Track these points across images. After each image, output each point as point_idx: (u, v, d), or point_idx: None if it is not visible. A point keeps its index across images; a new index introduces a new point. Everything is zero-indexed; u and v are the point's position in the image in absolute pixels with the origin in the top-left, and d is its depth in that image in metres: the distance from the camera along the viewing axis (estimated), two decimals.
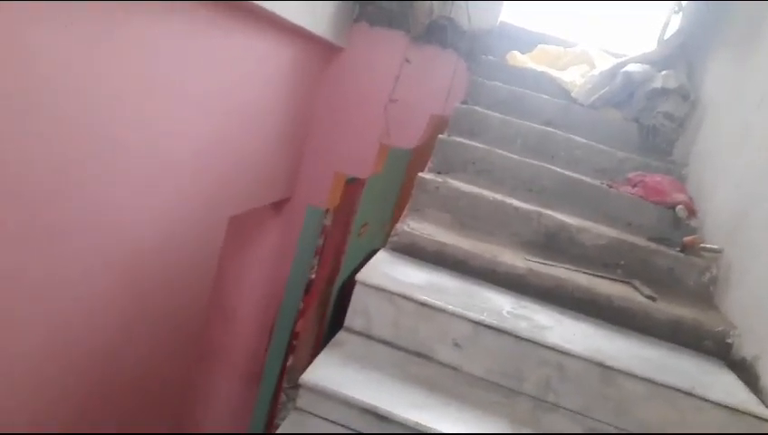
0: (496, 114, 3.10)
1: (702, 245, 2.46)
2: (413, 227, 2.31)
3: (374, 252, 2.22)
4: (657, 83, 3.33)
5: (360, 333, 1.93)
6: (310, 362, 1.72)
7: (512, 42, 3.87)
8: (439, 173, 2.70)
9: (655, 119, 3.31)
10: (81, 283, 1.96)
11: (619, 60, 3.64)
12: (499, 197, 2.53)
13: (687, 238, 2.49)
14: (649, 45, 3.85)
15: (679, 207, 2.66)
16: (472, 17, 3.57)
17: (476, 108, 3.12)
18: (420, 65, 3.53)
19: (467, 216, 2.50)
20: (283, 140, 3.30)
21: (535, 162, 2.80)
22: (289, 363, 4.06)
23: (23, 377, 1.85)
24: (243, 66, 2.62)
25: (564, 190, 2.73)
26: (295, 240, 3.79)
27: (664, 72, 3.38)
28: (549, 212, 2.51)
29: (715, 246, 2.42)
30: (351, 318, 1.95)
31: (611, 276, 2.33)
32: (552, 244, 2.47)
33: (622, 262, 2.42)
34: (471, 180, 2.68)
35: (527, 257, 2.32)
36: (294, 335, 4.03)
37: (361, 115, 3.62)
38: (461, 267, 2.23)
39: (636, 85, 3.43)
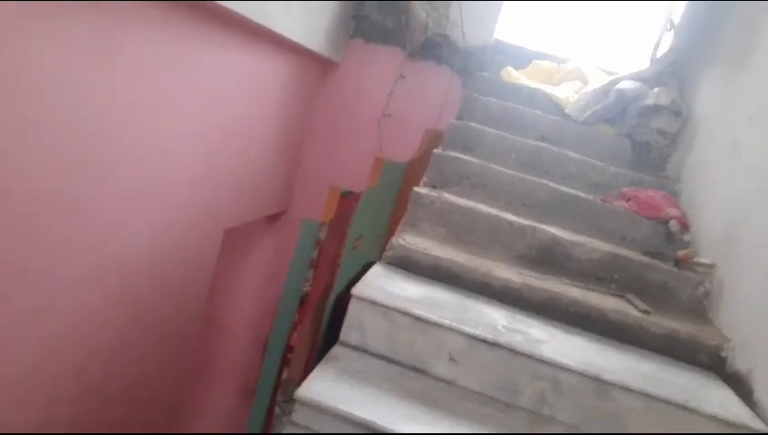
0: (491, 129, 3.13)
1: (695, 259, 2.48)
2: (408, 241, 2.32)
3: (369, 265, 2.23)
4: (650, 100, 3.37)
5: (355, 348, 1.93)
6: (304, 375, 1.72)
7: (506, 58, 3.91)
8: (434, 187, 2.72)
9: (648, 135, 3.34)
10: (75, 297, 1.96)
11: (612, 77, 3.69)
12: (494, 211, 2.54)
13: (681, 253, 2.51)
14: (642, 63, 3.91)
15: (672, 221, 2.68)
16: (467, 34, 3.61)
17: (471, 123, 3.15)
18: (415, 81, 3.56)
19: (462, 230, 2.52)
20: (278, 153, 3.32)
21: (529, 177, 2.82)
22: (284, 376, 4.04)
23: (16, 394, 1.83)
24: (239, 81, 2.64)
25: (558, 205, 2.75)
26: (290, 253, 3.79)
27: (656, 89, 3.42)
28: (543, 226, 2.52)
29: (708, 261, 2.44)
30: (347, 332, 1.95)
31: (605, 290, 2.34)
32: (547, 258, 2.48)
33: (616, 276, 2.44)
34: (466, 195, 2.70)
35: (522, 271, 2.33)
36: (289, 348, 4.01)
37: (357, 129, 3.65)
38: (456, 281, 2.24)
39: (628, 102, 3.47)
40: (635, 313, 2.20)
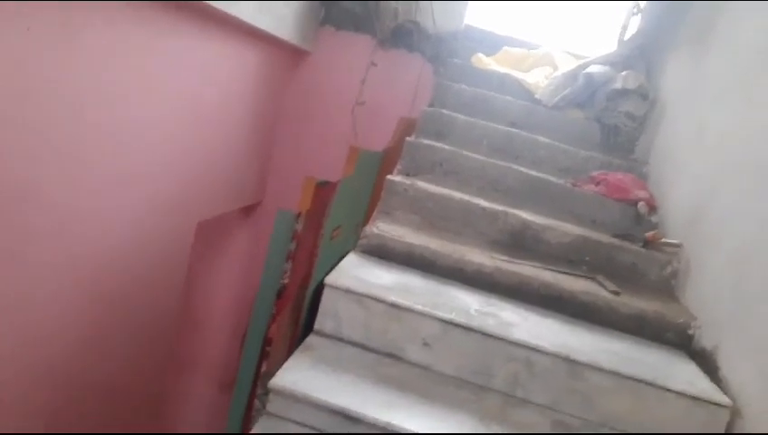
0: (462, 116, 3.14)
1: (663, 240, 2.53)
2: (382, 229, 2.33)
3: (345, 256, 2.23)
4: (618, 84, 3.41)
5: (330, 336, 1.94)
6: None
7: (477, 44, 3.92)
8: (408, 175, 2.73)
9: (616, 118, 3.39)
10: (48, 293, 1.94)
11: (581, 61, 3.72)
12: (466, 197, 2.56)
13: (649, 234, 2.56)
14: (609, 46, 3.95)
15: (641, 203, 2.73)
16: (437, 20, 3.61)
17: (443, 110, 3.16)
18: (387, 69, 3.56)
19: (436, 216, 2.54)
20: (251, 144, 3.29)
21: (501, 163, 2.84)
22: (263, 369, 4.03)
23: None
24: (209, 71, 2.61)
25: (529, 190, 2.78)
26: (266, 245, 3.78)
27: (624, 73, 3.46)
28: (515, 211, 2.55)
29: (675, 241, 2.50)
30: (321, 321, 1.96)
31: (576, 273, 2.38)
32: (519, 242, 2.51)
33: (587, 258, 2.48)
34: (439, 181, 2.71)
35: (494, 256, 2.36)
36: (267, 341, 4.00)
37: (330, 118, 3.64)
38: (429, 268, 2.26)
39: (597, 86, 3.50)
40: (605, 294, 2.24)
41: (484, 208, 2.53)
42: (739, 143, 2.33)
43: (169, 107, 2.37)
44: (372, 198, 4.40)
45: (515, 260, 2.35)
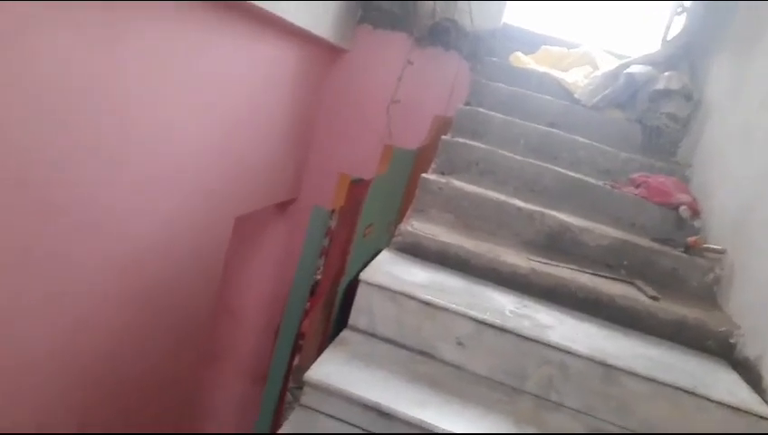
0: (499, 115, 3.11)
1: (705, 245, 2.46)
2: (416, 227, 2.33)
3: (379, 253, 2.24)
4: (661, 84, 3.33)
5: (363, 332, 1.95)
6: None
7: (515, 43, 3.88)
8: (443, 174, 2.71)
9: (658, 120, 3.31)
10: (88, 284, 1.99)
11: (623, 61, 3.65)
12: (502, 197, 2.54)
13: (691, 239, 2.50)
14: (653, 46, 3.86)
15: (683, 207, 2.67)
16: (475, 19, 3.59)
17: (480, 109, 3.14)
18: (423, 67, 3.55)
19: (471, 216, 2.52)
20: (288, 141, 3.32)
21: (538, 163, 2.81)
22: (295, 363, 4.07)
23: (29, 379, 1.87)
24: (248, 68, 2.64)
25: (567, 191, 2.74)
26: (301, 241, 3.81)
27: (667, 73, 3.38)
28: (552, 212, 2.52)
29: (719, 247, 2.43)
30: (355, 317, 1.96)
31: (614, 276, 2.34)
32: (555, 244, 2.48)
33: (625, 262, 2.43)
34: (474, 181, 2.69)
35: (530, 257, 2.33)
36: (300, 335, 4.03)
37: (366, 116, 3.64)
38: (464, 267, 2.25)
39: (639, 86, 3.43)
40: (644, 299, 2.19)
41: (520, 209, 2.51)
42: None
43: (210, 104, 2.41)
44: (405, 196, 4.40)
45: (552, 262, 2.32)
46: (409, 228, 2.30)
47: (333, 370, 1.70)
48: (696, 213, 2.68)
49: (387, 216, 4.64)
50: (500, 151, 2.82)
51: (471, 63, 3.56)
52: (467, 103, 3.27)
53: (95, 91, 1.72)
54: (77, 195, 1.79)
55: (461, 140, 2.87)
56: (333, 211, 3.89)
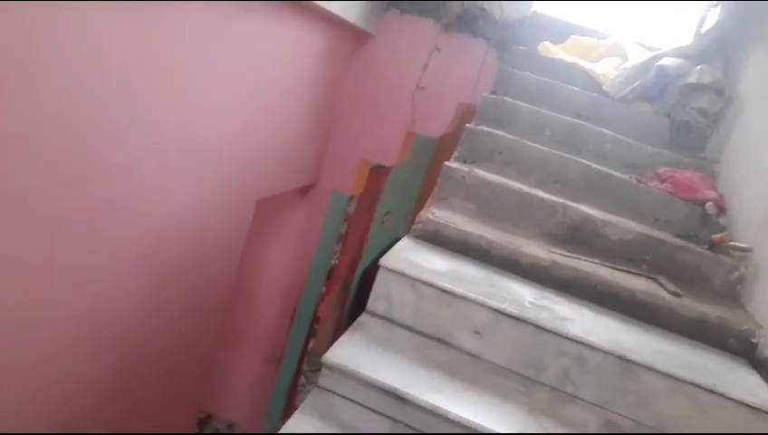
0: (525, 105, 3.08)
1: (731, 243, 2.42)
2: (437, 215, 2.32)
3: (396, 241, 2.24)
4: (692, 78, 3.26)
5: (381, 317, 1.95)
6: (330, 346, 1.75)
7: (544, 32, 3.83)
8: (465, 162, 2.70)
9: (688, 114, 3.25)
10: (109, 266, 2.02)
11: (654, 53, 3.58)
12: (525, 188, 2.52)
13: (716, 236, 2.45)
14: (685, 39, 3.78)
15: (709, 204, 2.62)
16: (504, 6, 3.54)
17: (505, 98, 3.11)
18: (450, 54, 3.51)
19: (492, 206, 2.50)
20: (311, 125, 3.33)
21: (563, 154, 2.78)
22: (310, 347, 4.11)
23: (52, 360, 1.91)
24: (275, 52, 2.64)
25: (591, 184, 2.71)
26: (320, 225, 3.82)
27: (699, 67, 3.31)
28: (575, 205, 2.49)
29: (745, 245, 2.39)
30: (374, 302, 1.97)
31: (636, 271, 2.31)
32: (577, 237, 2.45)
33: (648, 257, 2.40)
34: (497, 170, 2.67)
35: (551, 249, 2.31)
36: (316, 319, 4.07)
37: (389, 102, 3.62)
38: (484, 257, 2.24)
39: (669, 79, 3.36)
40: (665, 295, 2.17)
41: (543, 200, 2.48)
42: None
43: (234, 87, 2.41)
44: (426, 184, 4.39)
45: (573, 255, 2.30)
46: (430, 216, 2.30)
47: (351, 353, 1.71)
48: (722, 210, 2.63)
49: (405, 204, 4.64)
50: (524, 141, 2.79)
51: (498, 52, 3.51)
52: (493, 92, 3.24)
53: (119, 75, 1.74)
54: (101, 179, 1.81)
55: (485, 128, 2.85)
56: (352, 197, 3.90)
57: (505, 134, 2.84)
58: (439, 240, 2.26)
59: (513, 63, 3.46)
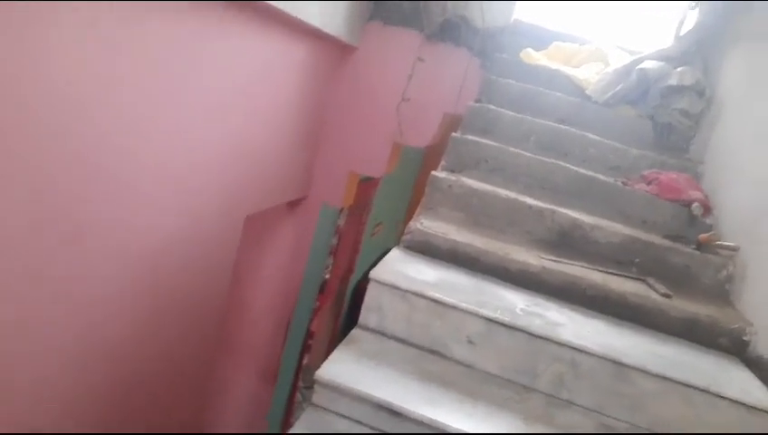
0: (509, 112, 3.10)
1: (718, 242, 2.44)
2: (426, 225, 2.32)
3: (388, 251, 2.24)
4: (673, 80, 3.31)
5: (373, 331, 1.95)
6: (325, 360, 1.74)
7: (526, 39, 3.87)
8: (452, 171, 2.71)
9: (670, 116, 3.29)
10: (100, 281, 2.00)
11: (635, 57, 3.63)
12: (512, 194, 2.53)
13: (703, 236, 2.48)
14: (665, 42, 3.83)
15: (695, 204, 2.64)
16: (486, 15, 3.57)
17: (490, 106, 3.13)
18: (433, 64, 3.52)
19: (480, 214, 2.51)
20: (297, 139, 3.32)
21: (549, 160, 2.79)
22: (304, 362, 4.09)
23: (43, 374, 1.89)
24: (256, 66, 2.64)
25: (578, 188, 2.73)
26: (311, 239, 3.81)
27: (680, 69, 3.36)
28: (562, 210, 2.50)
29: (732, 244, 2.41)
30: (365, 316, 1.96)
31: (626, 274, 2.32)
32: (566, 241, 2.46)
33: (637, 260, 2.42)
34: (484, 178, 2.69)
35: (541, 255, 2.32)
36: (309, 334, 4.05)
37: (375, 113, 3.62)
38: (474, 265, 2.24)
39: (651, 82, 3.41)
40: (655, 296, 2.18)
41: (530, 206, 2.49)
42: None
43: (219, 102, 2.41)
44: (414, 194, 4.39)
45: (562, 260, 2.31)
46: (419, 226, 2.30)
47: (344, 369, 1.70)
48: (708, 210, 2.65)
49: (395, 214, 4.63)
50: (510, 148, 2.81)
51: (481, 60, 3.54)
52: (477, 100, 3.26)
53: (104, 90, 1.73)
54: (90, 194, 1.80)
55: (471, 137, 2.86)
56: (342, 209, 3.89)
57: (491, 142, 2.85)
58: (429, 250, 2.27)
59: (496, 71, 3.48)
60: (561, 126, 3.10)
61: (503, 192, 2.54)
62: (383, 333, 1.94)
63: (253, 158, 2.85)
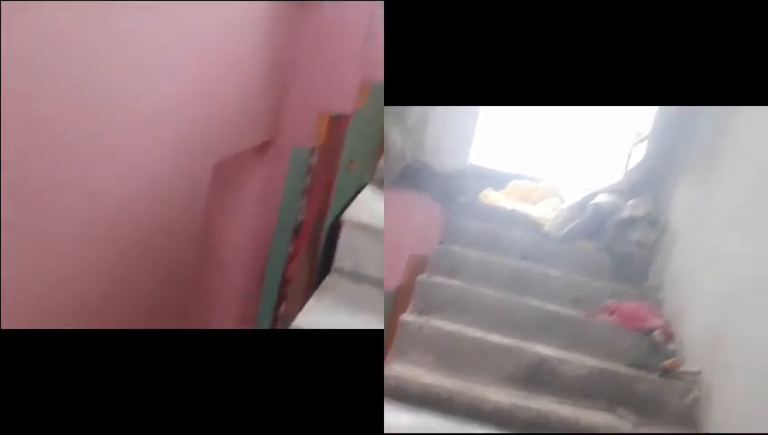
0: (473, 252, 3.25)
1: (681, 368, 2.50)
2: (398, 370, 2.38)
3: (362, 188, 2.10)
4: (626, 213, 3.51)
5: (349, 274, 1.87)
6: (302, 307, 1.66)
7: (485, 181, 4.11)
8: (421, 313, 2.80)
9: (627, 247, 3.45)
10: (68, 240, 1.89)
11: (588, 192, 3.86)
12: (479, 334, 2.61)
13: (667, 362, 2.55)
14: (617, 175, 4.11)
15: (656, 332, 2.74)
16: (443, 160, 3.80)
17: (454, 247, 3.28)
18: (398, 211, 3.69)
19: (450, 355, 2.56)
20: (263, 80, 3.25)
21: (514, 297, 2.91)
22: (281, 311, 3.79)
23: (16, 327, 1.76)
24: (220, 10, 2.62)
25: (543, 323, 2.81)
26: (282, 182, 3.65)
27: (631, 202, 3.57)
28: (530, 346, 2.58)
29: (694, 369, 2.47)
30: (340, 259, 1.90)
31: (594, 406, 2.36)
32: (535, 376, 2.51)
33: (605, 390, 2.46)
34: (452, 319, 2.77)
35: (510, 392, 2.36)
36: (285, 281, 3.78)
37: (342, 51, 3.54)
38: (447, 407, 2.28)
39: (605, 215, 3.60)
40: (625, 428, 2.20)
41: (497, 344, 2.57)
42: (753, 265, 2.33)
43: (182, 49, 2.31)
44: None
45: (532, 395, 2.35)
46: (392, 373, 2.35)
47: (320, 316, 1.63)
48: (669, 336, 2.74)
49: (368, 150, 4.47)
50: (475, 288, 2.93)
51: (443, 204, 3.73)
52: (441, 242, 3.41)
53: (62, 44, 1.71)
54: (53, 150, 1.67)
55: (437, 279, 2.99)
56: (314, 149, 3.74)
57: (457, 282, 2.97)
58: (401, 396, 2.30)
59: (458, 213, 3.67)
60: (523, 263, 3.25)
61: (470, 332, 2.62)
62: (358, 276, 1.87)
63: (217, 104, 2.74)
